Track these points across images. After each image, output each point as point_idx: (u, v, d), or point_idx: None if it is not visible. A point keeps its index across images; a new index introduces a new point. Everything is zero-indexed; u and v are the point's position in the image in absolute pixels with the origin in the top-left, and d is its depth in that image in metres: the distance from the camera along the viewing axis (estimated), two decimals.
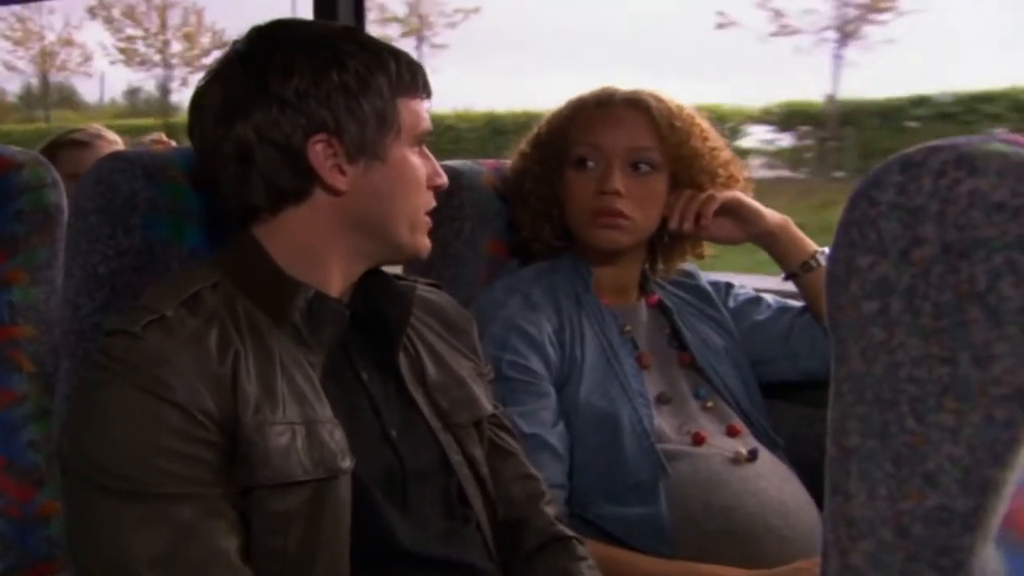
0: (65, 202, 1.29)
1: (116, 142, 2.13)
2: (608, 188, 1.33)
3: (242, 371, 0.89)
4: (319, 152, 0.94)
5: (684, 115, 1.38)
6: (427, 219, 1.03)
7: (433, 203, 1.03)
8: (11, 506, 1.24)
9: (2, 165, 1.25)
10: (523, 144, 1.45)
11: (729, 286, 1.53)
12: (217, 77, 0.98)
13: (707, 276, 1.53)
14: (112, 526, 0.84)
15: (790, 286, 1.45)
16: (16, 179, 1.26)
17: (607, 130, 1.35)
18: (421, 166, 1.00)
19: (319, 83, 0.94)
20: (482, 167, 1.47)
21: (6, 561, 1.23)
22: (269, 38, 0.98)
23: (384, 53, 0.98)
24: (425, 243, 1.03)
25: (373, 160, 0.96)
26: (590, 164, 1.35)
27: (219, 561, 0.84)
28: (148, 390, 0.84)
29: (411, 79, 0.99)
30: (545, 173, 1.39)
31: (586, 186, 1.35)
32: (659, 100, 1.37)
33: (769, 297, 1.51)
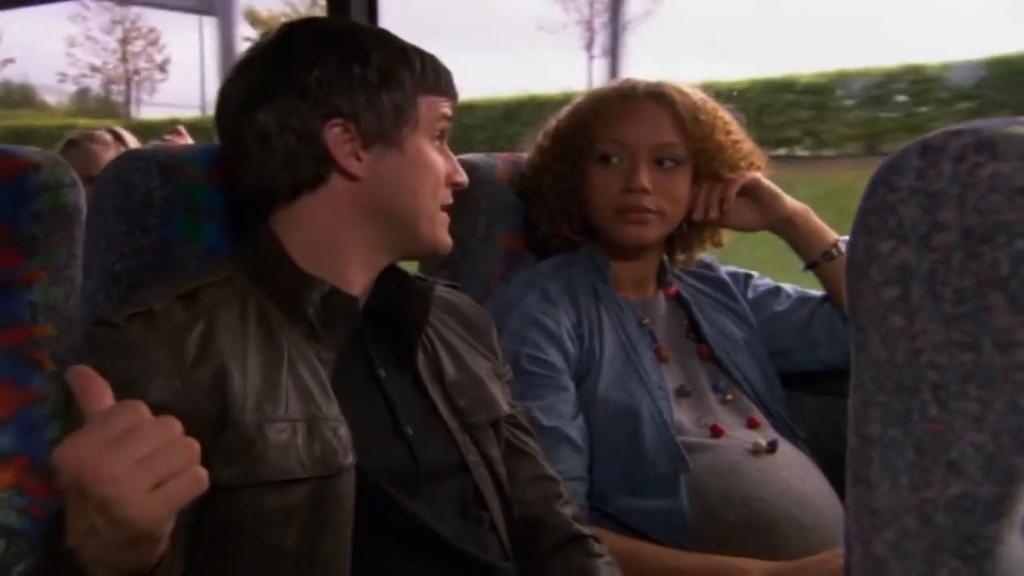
0: (83, 201, 1.30)
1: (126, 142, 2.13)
2: (635, 185, 1.32)
3: (233, 368, 0.89)
4: (335, 136, 0.96)
5: (708, 108, 1.37)
6: (445, 215, 1.04)
7: (450, 200, 1.04)
8: (34, 505, 1.25)
9: (20, 166, 1.26)
10: (540, 138, 1.43)
11: (748, 276, 1.52)
12: (244, 67, 1.01)
13: (726, 267, 1.53)
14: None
15: None
16: (35, 180, 1.26)
17: (632, 126, 1.34)
18: (439, 160, 1.02)
19: (341, 74, 0.96)
20: (497, 160, 1.46)
21: (30, 559, 1.24)
22: (298, 31, 1.01)
23: (410, 51, 1.01)
24: (446, 239, 1.04)
25: (389, 147, 0.98)
26: (615, 160, 1.34)
27: None
28: (118, 380, 0.84)
29: (435, 78, 1.02)
30: (565, 168, 1.38)
31: (611, 182, 1.34)
32: (683, 93, 1.36)
33: (788, 287, 1.50)
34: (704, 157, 1.36)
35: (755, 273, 1.53)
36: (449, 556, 0.97)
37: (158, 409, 0.83)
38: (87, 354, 0.88)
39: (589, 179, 1.36)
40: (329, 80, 0.96)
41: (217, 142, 1.09)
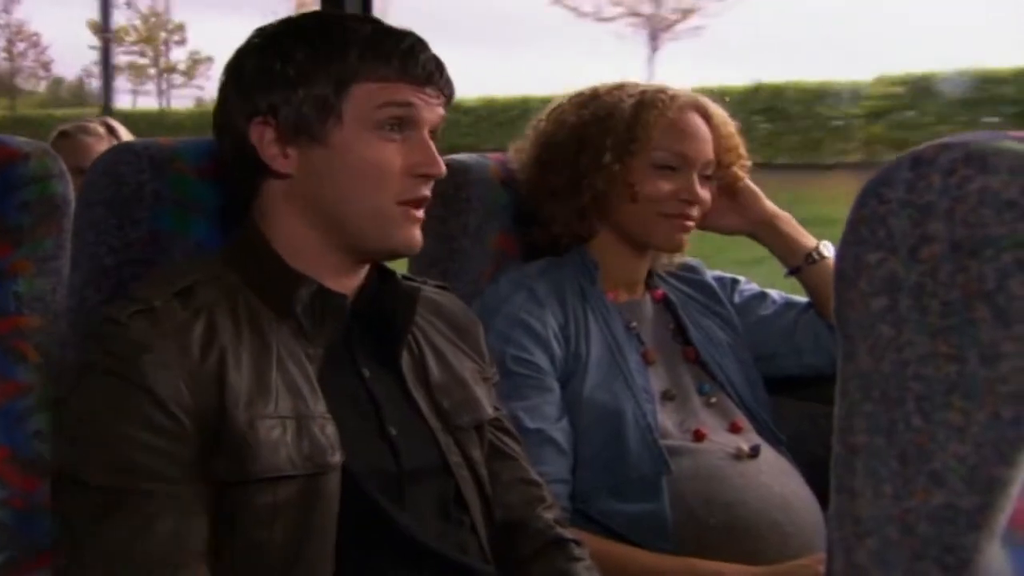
0: (72, 193, 1.29)
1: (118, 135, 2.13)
2: (695, 197, 1.35)
3: (230, 366, 0.89)
4: (258, 133, 0.97)
5: (730, 122, 1.41)
6: (406, 210, 0.98)
7: (419, 192, 0.98)
8: (15, 497, 1.24)
9: (8, 156, 1.25)
10: (557, 134, 1.39)
11: (735, 281, 1.53)
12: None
13: (712, 272, 1.54)
14: (78, 514, 0.84)
15: None
16: (22, 170, 1.26)
17: (691, 141, 1.36)
18: (382, 152, 0.96)
19: (262, 73, 0.97)
20: (489, 160, 1.46)
21: (10, 551, 1.24)
22: (256, 34, 1.01)
23: (352, 40, 0.96)
24: (407, 239, 0.98)
25: (311, 143, 0.96)
26: (672, 169, 1.35)
27: (175, 558, 0.84)
28: (126, 379, 0.85)
29: (382, 64, 0.95)
30: (610, 166, 1.35)
31: (666, 188, 1.35)
32: (716, 109, 1.40)
33: (774, 292, 1.51)
34: (719, 169, 1.40)
35: (741, 278, 1.54)
36: (429, 558, 0.97)
37: (166, 403, 0.84)
38: (94, 351, 0.88)
39: (640, 180, 1.35)
40: (252, 76, 0.97)
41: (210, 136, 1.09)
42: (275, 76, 0.96)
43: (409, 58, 0.97)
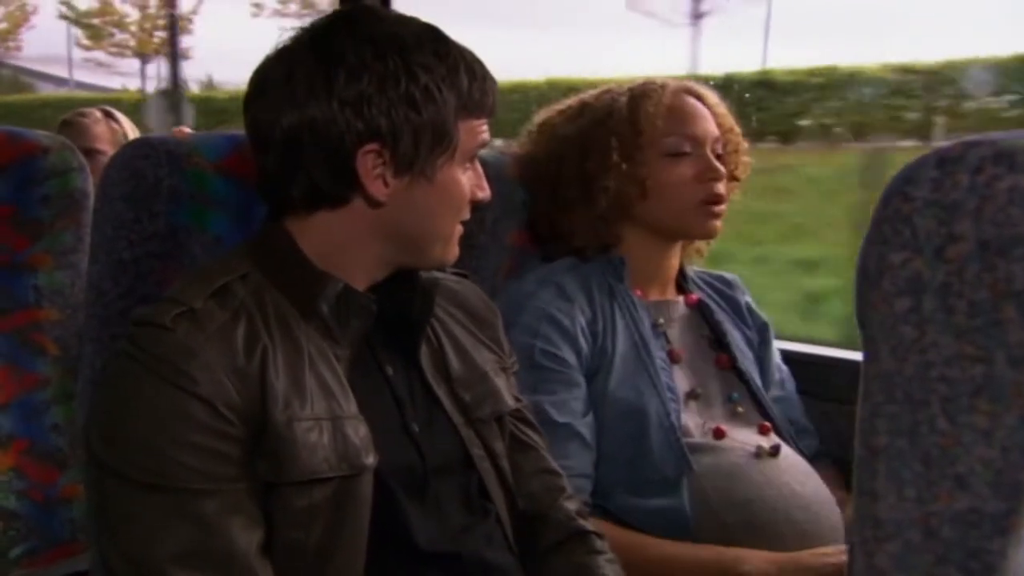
0: (91, 187, 1.30)
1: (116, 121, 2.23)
2: (717, 173, 1.34)
3: (270, 366, 0.88)
4: (367, 161, 0.92)
5: (721, 104, 1.42)
6: (459, 228, 1.01)
7: (469, 215, 1.00)
8: (34, 489, 1.25)
9: (28, 150, 1.26)
10: (568, 148, 1.39)
11: (766, 325, 1.50)
12: (285, 56, 0.94)
13: (747, 297, 1.52)
14: (137, 519, 0.84)
15: None
16: (42, 163, 1.26)
17: (698, 121, 1.37)
18: (467, 183, 0.98)
19: (385, 90, 0.90)
20: (506, 157, 1.45)
21: (29, 543, 1.25)
22: (347, 28, 0.94)
23: (461, 68, 0.94)
24: (453, 253, 1.01)
25: (419, 177, 0.94)
26: (686, 152, 1.35)
27: (240, 557, 0.84)
28: (174, 383, 0.84)
29: (480, 98, 0.96)
30: (632, 168, 1.35)
31: (686, 173, 1.35)
32: (706, 91, 1.41)
33: (782, 364, 1.50)
34: (724, 147, 1.40)
35: (771, 329, 1.52)
36: (446, 559, 0.97)
37: (217, 406, 0.83)
38: (131, 356, 0.87)
39: (655, 173, 1.35)
40: (371, 94, 0.90)
41: (226, 131, 1.08)
42: (400, 97, 0.90)
43: (493, 91, 0.98)
